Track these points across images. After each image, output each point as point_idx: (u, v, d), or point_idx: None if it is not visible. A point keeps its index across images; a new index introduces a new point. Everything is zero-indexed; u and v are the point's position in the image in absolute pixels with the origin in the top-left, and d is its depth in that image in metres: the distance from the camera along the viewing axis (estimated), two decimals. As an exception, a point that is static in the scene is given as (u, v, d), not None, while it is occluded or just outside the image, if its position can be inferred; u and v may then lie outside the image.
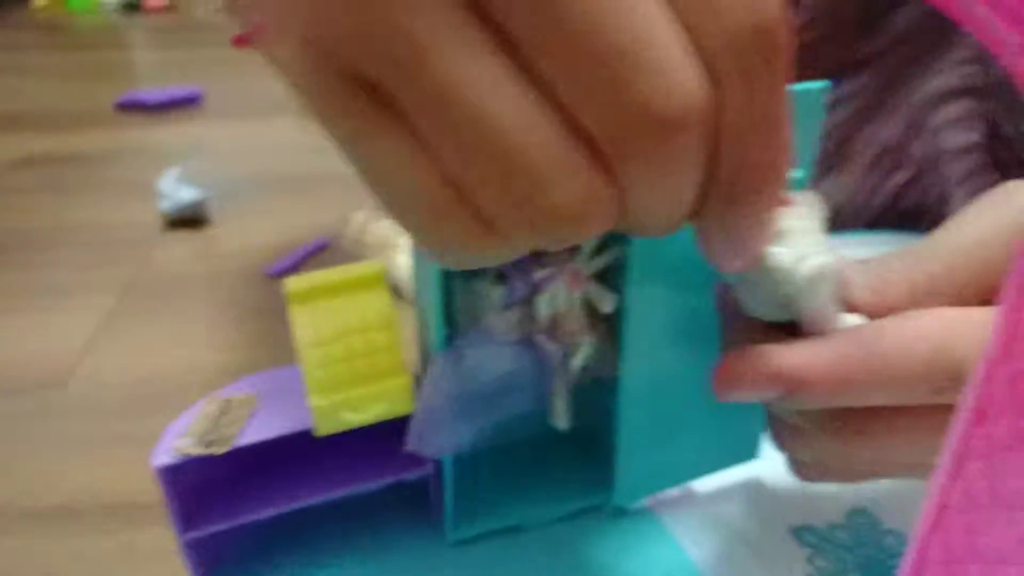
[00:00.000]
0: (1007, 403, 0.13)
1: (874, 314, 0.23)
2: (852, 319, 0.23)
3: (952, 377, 0.21)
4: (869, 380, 0.21)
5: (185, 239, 0.66)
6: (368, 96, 0.15)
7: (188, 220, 0.68)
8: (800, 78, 0.21)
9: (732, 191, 0.17)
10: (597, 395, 0.30)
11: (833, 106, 0.53)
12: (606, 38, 0.14)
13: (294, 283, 0.26)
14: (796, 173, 0.26)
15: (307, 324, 0.26)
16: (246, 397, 0.28)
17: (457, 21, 0.14)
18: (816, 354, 0.22)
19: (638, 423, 0.30)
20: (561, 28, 0.14)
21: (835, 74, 0.52)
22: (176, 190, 0.68)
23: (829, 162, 0.55)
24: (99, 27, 1.53)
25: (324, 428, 0.26)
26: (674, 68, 0.15)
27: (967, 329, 0.21)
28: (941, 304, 0.23)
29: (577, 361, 0.28)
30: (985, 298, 0.23)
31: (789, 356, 0.22)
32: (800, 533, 0.31)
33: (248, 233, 0.66)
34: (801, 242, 0.22)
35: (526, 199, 0.15)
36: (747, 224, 0.19)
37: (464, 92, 0.14)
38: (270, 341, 0.52)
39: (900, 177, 0.52)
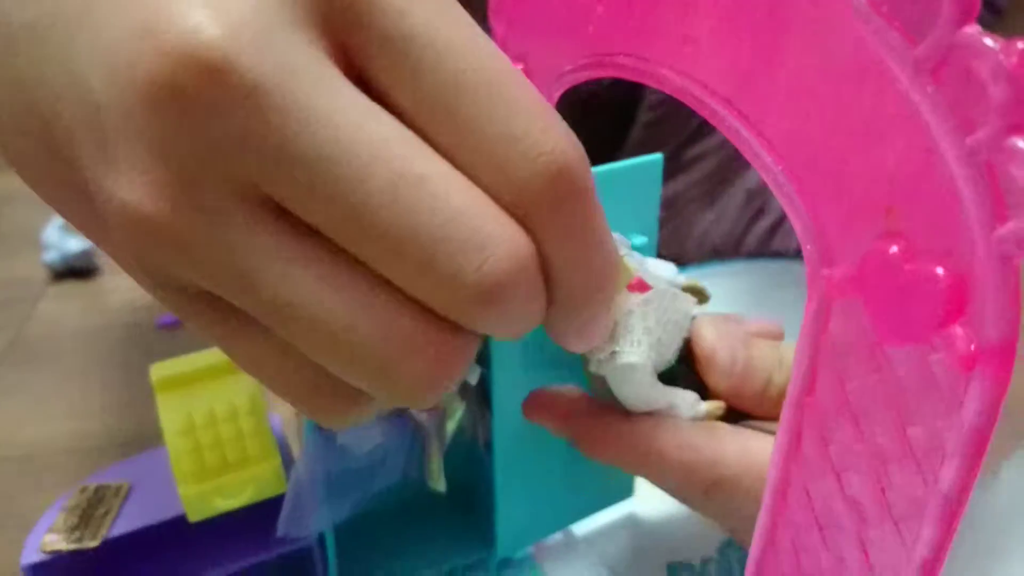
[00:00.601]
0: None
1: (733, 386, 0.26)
2: (685, 396, 0.25)
3: (708, 488, 0.24)
4: (634, 464, 0.26)
5: (72, 292, 0.64)
6: (217, 306, 0.16)
7: (76, 271, 0.66)
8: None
9: (568, 305, 0.18)
10: (472, 453, 0.31)
11: (711, 153, 0.57)
12: (407, 225, 0.14)
13: (160, 370, 0.27)
14: (639, 239, 0.28)
15: (174, 412, 0.26)
16: (118, 484, 0.28)
17: (273, 234, 0.15)
18: (595, 421, 0.26)
19: (514, 477, 0.31)
20: (364, 223, 0.14)
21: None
22: (61, 240, 0.66)
23: (710, 198, 0.58)
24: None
25: (196, 515, 0.26)
26: (479, 236, 0.15)
27: (736, 451, 0.24)
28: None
29: (451, 426, 0.29)
30: None
31: (568, 407, 0.27)
32: (675, 570, 0.33)
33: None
34: (628, 333, 0.24)
35: (378, 379, 0.16)
36: (585, 322, 0.19)
37: (296, 299, 0.15)
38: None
39: (766, 222, 0.55)
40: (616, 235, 0.26)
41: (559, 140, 0.16)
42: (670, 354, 0.26)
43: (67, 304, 0.62)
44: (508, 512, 0.32)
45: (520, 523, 0.32)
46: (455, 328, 0.16)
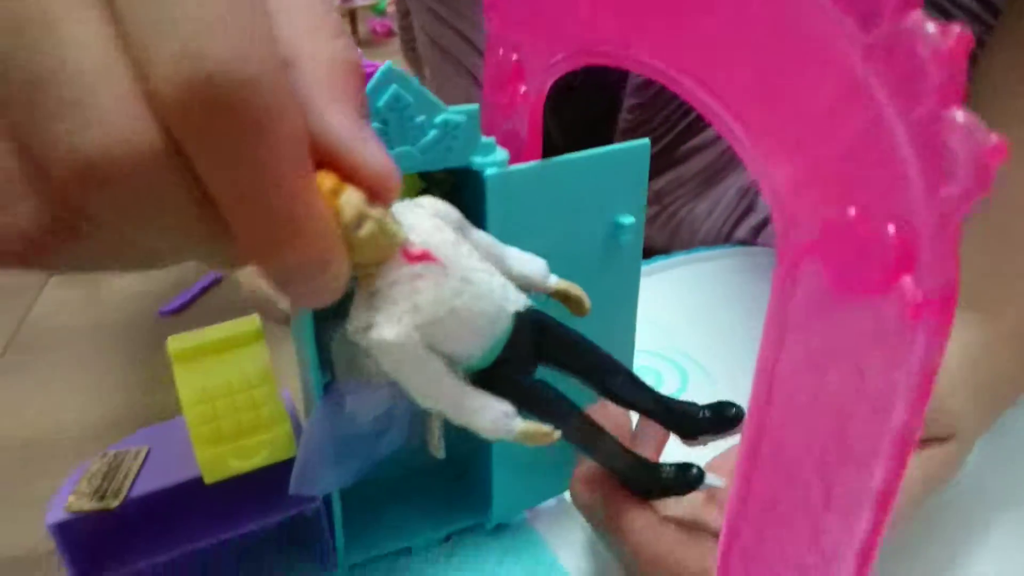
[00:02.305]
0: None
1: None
2: (493, 407, 0.23)
3: None
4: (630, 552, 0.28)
5: (74, 282, 0.65)
6: None
7: (76, 260, 0.67)
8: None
9: (247, 249, 0.16)
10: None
11: (705, 148, 0.59)
12: (29, 63, 0.14)
13: (176, 342, 0.28)
14: (627, 219, 0.30)
15: (191, 383, 0.28)
16: (137, 450, 0.30)
17: None
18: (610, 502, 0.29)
19: (510, 446, 0.33)
20: None
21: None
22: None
23: (703, 192, 0.60)
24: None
25: (211, 476, 0.27)
26: (87, 104, 0.14)
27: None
28: None
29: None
30: None
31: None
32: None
33: (138, 273, 0.66)
34: (388, 305, 0.21)
35: None
36: (285, 275, 0.17)
37: None
38: (163, 384, 0.52)
39: (754, 219, 0.57)
40: (402, 204, 0.22)
41: (219, 46, 0.14)
42: (462, 348, 0.22)
43: (69, 293, 0.64)
44: (504, 479, 0.33)
45: (515, 490, 0.34)
46: (66, 203, 0.15)
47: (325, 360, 0.28)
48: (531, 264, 0.25)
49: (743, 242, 0.58)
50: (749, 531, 0.21)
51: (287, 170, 0.15)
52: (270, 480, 0.30)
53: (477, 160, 0.27)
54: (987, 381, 0.32)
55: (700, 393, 0.43)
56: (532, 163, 0.28)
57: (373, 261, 0.20)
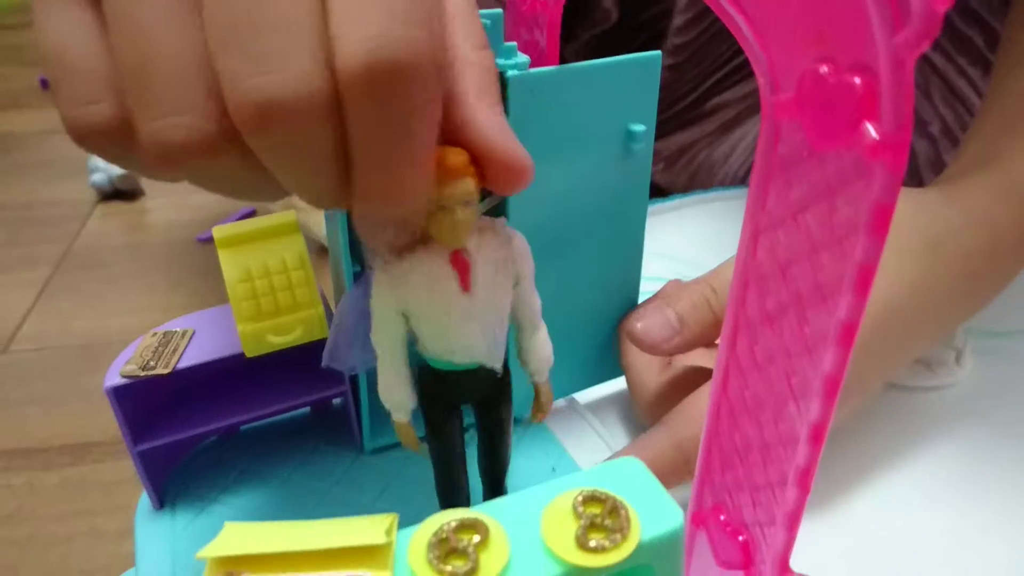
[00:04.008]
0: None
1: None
2: None
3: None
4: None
5: (118, 212, 0.69)
6: None
7: (121, 193, 0.70)
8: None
9: (362, 196, 0.18)
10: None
11: (730, 104, 0.60)
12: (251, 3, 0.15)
13: (221, 231, 0.31)
14: (638, 127, 0.32)
15: (234, 264, 0.30)
16: (184, 330, 0.32)
17: None
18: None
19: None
20: None
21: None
22: (108, 162, 0.71)
23: (724, 137, 0.61)
24: (18, 6, 1.50)
25: (252, 350, 0.30)
26: (275, 49, 0.15)
27: None
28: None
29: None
30: None
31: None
32: (663, 432, 0.38)
33: (179, 203, 0.69)
34: (398, 271, 0.23)
35: (149, 111, 0.16)
36: (371, 220, 0.20)
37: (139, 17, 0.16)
38: (201, 302, 0.56)
39: None
40: (502, 222, 0.25)
41: (409, 38, 0.16)
42: (423, 340, 0.25)
43: (113, 222, 0.67)
44: (519, 379, 0.36)
45: (528, 389, 0.37)
46: (227, 128, 0.17)
47: (355, 254, 0.31)
48: (543, 352, 0.27)
49: None
50: (734, 383, 0.23)
51: (423, 146, 0.18)
52: (304, 366, 0.33)
53: (500, 62, 0.29)
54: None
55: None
56: (551, 67, 0.30)
57: (432, 235, 0.22)
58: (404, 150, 0.17)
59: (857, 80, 0.17)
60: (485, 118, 0.20)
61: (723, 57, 0.59)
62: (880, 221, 0.17)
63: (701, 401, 0.32)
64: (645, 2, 0.58)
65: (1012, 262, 0.36)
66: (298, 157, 0.17)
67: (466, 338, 0.24)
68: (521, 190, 0.22)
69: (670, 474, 0.31)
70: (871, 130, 0.17)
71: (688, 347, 0.33)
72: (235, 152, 0.17)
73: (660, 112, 0.60)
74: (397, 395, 0.26)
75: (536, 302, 0.27)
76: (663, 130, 0.63)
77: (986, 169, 0.36)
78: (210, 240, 0.61)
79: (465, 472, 0.29)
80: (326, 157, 0.17)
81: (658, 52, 0.31)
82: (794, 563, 0.23)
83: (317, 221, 0.56)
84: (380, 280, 0.24)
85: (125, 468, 0.37)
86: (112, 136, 0.18)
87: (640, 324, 0.33)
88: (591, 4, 0.56)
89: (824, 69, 0.18)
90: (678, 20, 0.57)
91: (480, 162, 0.21)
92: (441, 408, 0.27)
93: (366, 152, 0.17)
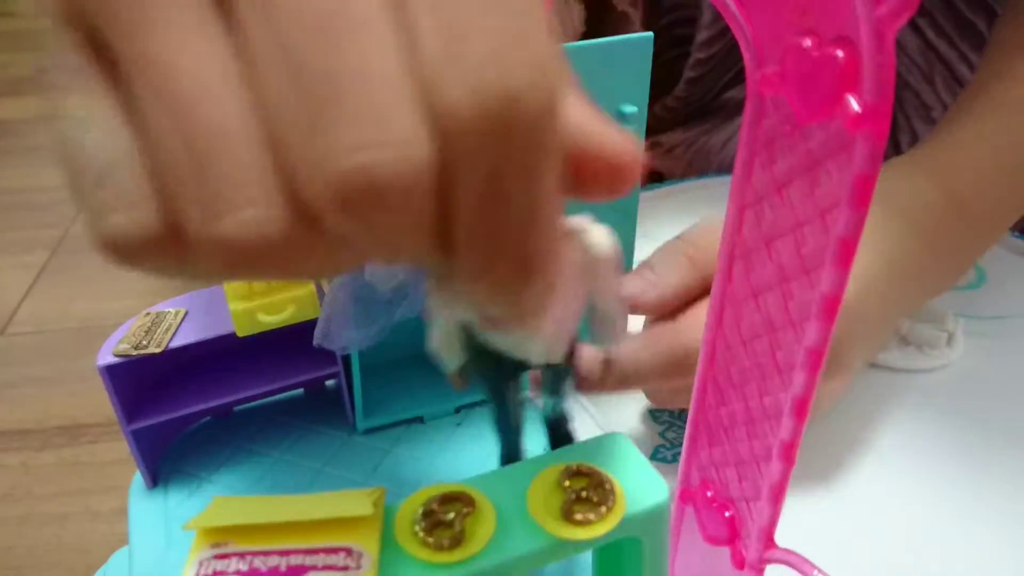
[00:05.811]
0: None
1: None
2: None
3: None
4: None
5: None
6: (93, 50, 0.14)
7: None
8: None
9: (464, 271, 0.15)
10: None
11: (741, 101, 0.61)
12: (316, 50, 0.12)
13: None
14: (630, 108, 0.32)
15: (226, 243, 0.30)
16: (176, 311, 0.33)
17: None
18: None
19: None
20: (273, 26, 0.12)
21: None
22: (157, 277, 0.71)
23: (723, 120, 0.62)
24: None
25: (243, 329, 0.30)
26: (375, 113, 0.12)
27: None
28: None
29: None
30: None
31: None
32: (654, 414, 0.38)
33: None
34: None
35: (207, 210, 0.13)
36: (497, 301, 0.16)
37: (179, 65, 0.13)
38: (196, 284, 0.56)
39: None
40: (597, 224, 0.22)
41: (525, 66, 0.13)
42: None
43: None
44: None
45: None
46: (308, 215, 0.13)
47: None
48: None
49: None
50: (721, 357, 0.23)
51: (551, 203, 0.14)
52: (298, 347, 0.33)
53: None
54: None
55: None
56: (541, 48, 0.30)
57: None
58: (528, 212, 0.14)
59: (839, 53, 0.17)
60: (578, 111, 0.16)
61: (738, 65, 0.59)
62: (862, 193, 0.18)
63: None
64: (667, 9, 0.58)
65: (976, 236, 0.38)
66: (400, 233, 0.13)
67: (538, 344, 0.23)
68: (626, 193, 0.17)
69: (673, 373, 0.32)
70: (853, 102, 0.17)
71: (669, 301, 0.33)
72: (319, 242, 0.14)
73: (673, 116, 0.61)
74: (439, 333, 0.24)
75: (612, 308, 0.25)
76: (669, 126, 0.63)
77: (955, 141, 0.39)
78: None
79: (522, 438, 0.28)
80: (423, 228, 0.14)
81: (650, 33, 0.31)
82: (780, 539, 0.23)
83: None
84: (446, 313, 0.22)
85: (120, 449, 0.37)
86: (161, 246, 0.14)
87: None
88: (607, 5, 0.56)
89: (807, 42, 0.18)
90: (703, 35, 0.57)
91: (576, 166, 0.16)
92: (501, 379, 0.26)
93: (480, 220, 0.14)
